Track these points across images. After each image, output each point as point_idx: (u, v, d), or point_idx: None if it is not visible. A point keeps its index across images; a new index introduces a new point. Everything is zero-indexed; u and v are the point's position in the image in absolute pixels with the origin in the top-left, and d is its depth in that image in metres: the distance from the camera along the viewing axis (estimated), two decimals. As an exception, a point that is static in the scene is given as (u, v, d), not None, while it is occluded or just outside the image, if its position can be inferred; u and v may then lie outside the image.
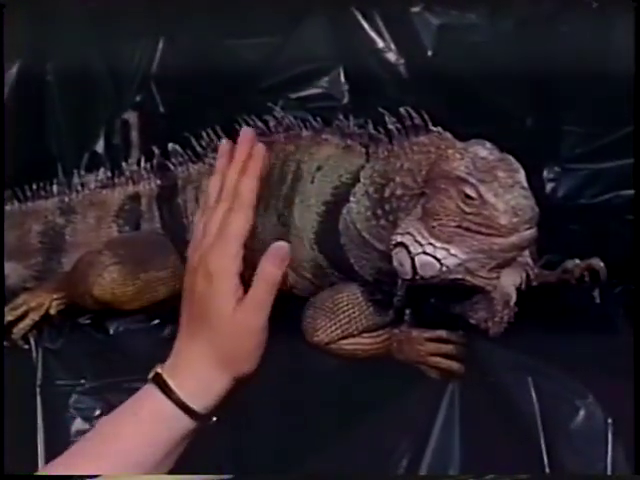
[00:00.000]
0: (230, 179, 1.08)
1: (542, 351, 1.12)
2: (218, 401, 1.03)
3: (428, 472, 1.11)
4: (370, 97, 1.41)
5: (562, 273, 1.20)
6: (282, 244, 1.05)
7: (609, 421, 1.08)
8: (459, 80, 1.38)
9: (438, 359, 1.15)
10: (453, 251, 1.07)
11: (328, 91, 1.44)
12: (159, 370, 1.03)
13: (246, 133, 1.11)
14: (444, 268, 1.07)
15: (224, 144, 1.12)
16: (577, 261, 1.20)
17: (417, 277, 1.08)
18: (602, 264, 1.19)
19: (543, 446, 1.09)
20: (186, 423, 1.01)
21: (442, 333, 1.15)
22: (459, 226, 1.06)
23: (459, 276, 1.08)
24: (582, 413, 1.09)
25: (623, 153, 1.32)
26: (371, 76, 1.43)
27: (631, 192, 1.32)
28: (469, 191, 1.05)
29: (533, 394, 1.10)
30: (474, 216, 1.05)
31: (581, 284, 1.19)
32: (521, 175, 1.07)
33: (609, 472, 1.07)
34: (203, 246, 1.05)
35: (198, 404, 1.01)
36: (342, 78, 1.44)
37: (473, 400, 1.13)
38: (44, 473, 1.02)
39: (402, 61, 1.42)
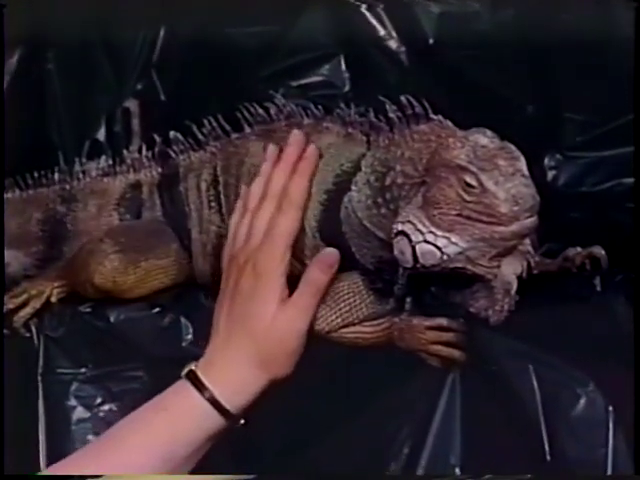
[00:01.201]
0: (277, 180, 1.09)
1: (543, 339, 1.12)
2: (250, 402, 1.03)
3: (429, 460, 1.11)
4: (371, 85, 1.39)
5: (563, 261, 1.19)
6: (332, 250, 1.07)
7: (610, 409, 1.08)
8: (460, 68, 1.36)
9: (439, 347, 1.14)
10: (454, 239, 1.07)
11: (329, 79, 1.42)
12: (193, 367, 1.04)
13: (296, 136, 1.13)
14: (445, 257, 1.07)
15: (272, 148, 1.15)
16: (578, 249, 1.20)
17: (418, 265, 1.08)
18: (603, 252, 1.18)
19: (544, 434, 1.08)
20: (217, 422, 1.02)
21: (443, 321, 1.14)
22: (460, 214, 1.06)
23: (460, 265, 1.08)
24: (583, 401, 1.09)
25: (624, 141, 1.31)
26: (372, 64, 1.41)
27: (632, 180, 1.30)
28: (469, 179, 1.05)
29: (534, 382, 1.10)
30: (475, 204, 1.05)
31: (582, 272, 1.18)
32: (522, 163, 1.07)
33: (609, 460, 1.07)
34: (250, 246, 1.05)
35: (231, 403, 1.02)
36: (343, 66, 1.42)
37: (474, 388, 1.12)
38: (74, 461, 1.02)
39: (403, 49, 1.40)
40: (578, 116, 1.34)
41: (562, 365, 1.10)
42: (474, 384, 1.12)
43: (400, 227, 1.09)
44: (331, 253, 1.07)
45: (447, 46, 1.37)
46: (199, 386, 1.02)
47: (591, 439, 1.08)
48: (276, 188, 1.08)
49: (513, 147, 1.08)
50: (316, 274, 1.05)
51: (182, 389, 1.03)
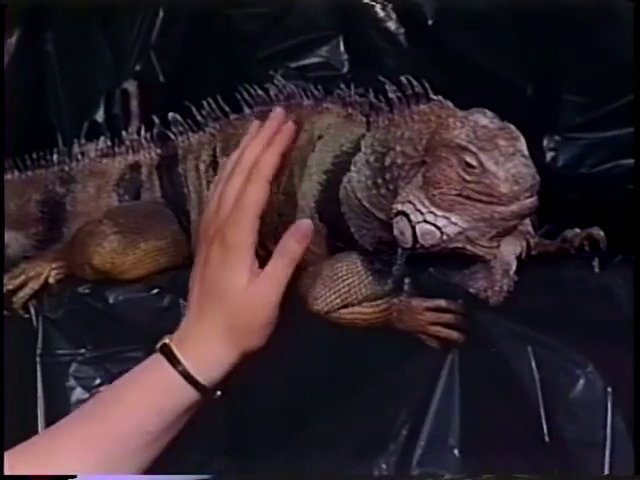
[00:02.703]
0: (250, 152, 1.07)
1: (542, 321, 1.10)
2: (224, 375, 1.02)
3: (428, 441, 1.10)
4: (370, 66, 1.39)
5: (562, 242, 1.18)
6: (306, 221, 1.05)
7: (609, 390, 1.07)
8: (459, 49, 1.36)
9: (438, 328, 1.12)
10: (454, 219, 1.06)
11: (328, 60, 1.42)
12: (167, 340, 1.03)
13: (277, 112, 1.12)
14: (445, 237, 1.06)
15: (256, 123, 1.13)
16: (577, 230, 1.18)
17: (417, 246, 1.08)
18: (602, 233, 1.16)
19: (543, 415, 1.07)
20: (191, 395, 1.01)
21: (442, 302, 1.12)
22: (460, 194, 1.05)
23: (459, 245, 1.07)
24: (582, 382, 1.07)
25: (623, 122, 1.30)
26: (371, 45, 1.41)
27: (631, 161, 1.30)
28: (470, 159, 1.04)
29: (533, 363, 1.08)
30: (475, 184, 1.04)
31: (581, 253, 1.16)
32: (522, 143, 1.06)
33: (608, 441, 1.06)
34: (219, 218, 1.03)
35: (204, 376, 1.00)
36: (342, 47, 1.42)
37: (473, 370, 1.11)
38: (49, 435, 1.02)
39: (402, 30, 1.40)
40: (577, 98, 1.33)
41: (561, 346, 1.09)
42: (473, 366, 1.11)
43: (400, 207, 1.08)
44: (306, 223, 1.06)
45: (446, 27, 1.37)
46: (172, 360, 1.01)
47: (590, 420, 1.07)
48: (247, 160, 1.07)
49: (513, 127, 1.07)
50: (291, 244, 1.04)
51: (156, 363, 1.02)
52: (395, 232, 1.09)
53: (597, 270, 1.12)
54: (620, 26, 1.32)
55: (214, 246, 1.04)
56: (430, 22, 1.37)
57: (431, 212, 1.06)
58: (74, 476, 0.99)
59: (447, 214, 1.06)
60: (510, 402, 1.09)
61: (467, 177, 1.04)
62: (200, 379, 1.01)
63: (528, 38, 1.34)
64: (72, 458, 0.99)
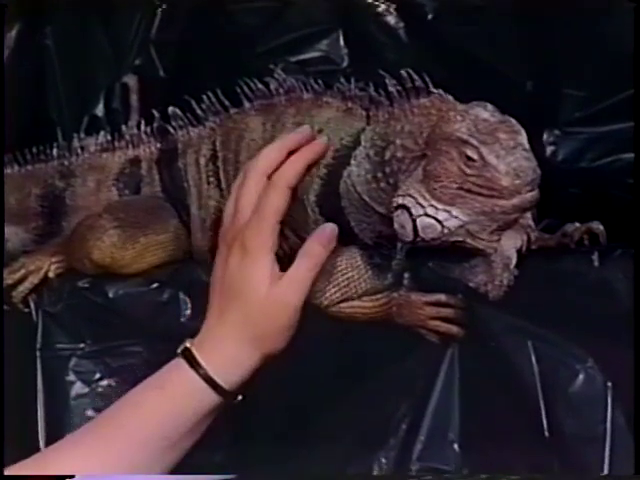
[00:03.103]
0: (270, 157, 1.07)
1: (542, 315, 1.10)
2: (245, 378, 1.02)
3: (427, 436, 1.10)
4: (369, 61, 1.38)
5: (561, 237, 1.18)
6: (331, 225, 1.05)
7: (608, 385, 1.07)
8: (459, 44, 1.36)
9: (437, 323, 1.12)
10: (455, 213, 1.05)
11: (327, 54, 1.42)
12: (188, 344, 1.02)
13: (304, 128, 1.12)
14: (445, 230, 1.06)
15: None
16: (577, 224, 1.17)
17: (418, 239, 1.07)
18: (602, 227, 1.16)
19: (543, 410, 1.07)
20: (212, 399, 1.00)
21: (441, 297, 1.12)
22: (460, 188, 1.05)
23: (460, 238, 1.06)
24: (581, 377, 1.07)
25: (623, 116, 1.29)
26: (371, 40, 1.40)
27: (631, 155, 1.29)
28: (470, 153, 1.03)
29: (533, 358, 1.08)
30: (476, 178, 1.04)
31: (580, 248, 1.16)
32: (523, 137, 1.05)
33: (608, 436, 1.05)
34: (238, 222, 1.03)
35: (225, 380, 1.00)
36: (341, 41, 1.41)
37: (473, 364, 1.11)
38: (72, 442, 1.01)
39: (402, 25, 1.39)
40: (577, 92, 1.33)
41: (561, 341, 1.09)
42: (473, 360, 1.11)
43: (400, 201, 1.08)
44: (331, 227, 1.06)
45: (446, 22, 1.36)
46: (194, 364, 1.01)
47: (590, 415, 1.07)
48: (266, 165, 1.06)
49: (514, 121, 1.06)
50: (315, 248, 1.03)
51: (177, 367, 1.02)
52: (395, 226, 1.08)
53: (597, 264, 1.12)
54: (620, 19, 1.31)
55: (234, 250, 1.03)
56: (430, 17, 1.37)
57: (432, 205, 1.06)
58: (73, 476, 0.99)
59: (448, 207, 1.05)
60: (510, 397, 1.09)
61: (468, 171, 1.04)
62: (221, 382, 1.00)
63: (528, 32, 1.34)
64: (94, 463, 0.98)
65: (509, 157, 1.03)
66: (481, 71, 1.33)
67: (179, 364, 1.01)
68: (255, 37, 1.43)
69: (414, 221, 1.07)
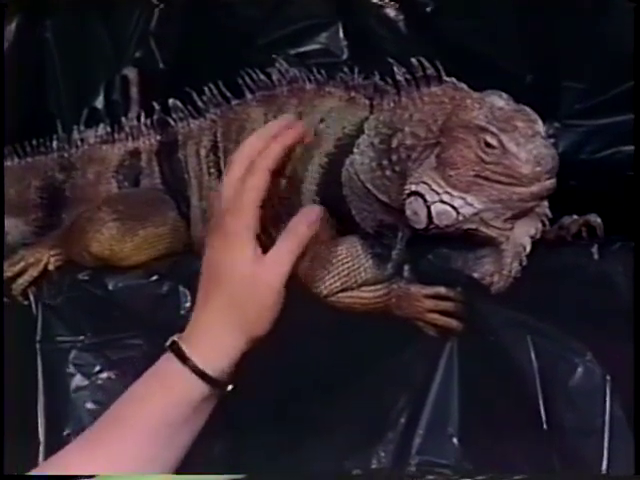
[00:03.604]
0: (252, 143, 1.05)
1: (541, 309, 1.09)
2: (233, 365, 1.01)
3: (426, 429, 1.09)
4: (369, 53, 1.38)
5: (558, 229, 1.17)
6: (315, 207, 1.04)
7: (607, 378, 1.06)
8: (458, 37, 1.35)
9: (436, 316, 1.11)
10: (470, 200, 1.05)
11: (327, 47, 1.41)
12: (176, 338, 1.02)
13: (287, 116, 1.12)
14: (460, 217, 1.06)
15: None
16: (574, 217, 1.17)
17: (432, 226, 1.07)
18: (599, 220, 1.16)
19: (541, 403, 1.07)
20: (203, 389, 1.00)
21: (441, 290, 1.11)
22: (478, 175, 1.05)
23: (473, 226, 1.06)
24: (580, 370, 1.06)
25: (623, 109, 1.29)
26: (370, 32, 1.40)
27: (631, 148, 1.28)
28: (490, 140, 1.03)
29: (532, 351, 1.08)
30: (494, 165, 1.04)
31: (580, 241, 1.16)
32: (540, 125, 1.05)
33: (606, 429, 1.05)
34: (219, 209, 1.02)
35: (214, 369, 0.99)
36: (341, 34, 1.41)
37: (472, 358, 1.10)
38: (78, 446, 1.01)
39: (401, 17, 1.39)
40: (577, 84, 1.32)
41: (560, 334, 1.08)
42: (472, 354, 1.10)
43: (414, 188, 1.08)
44: (315, 208, 1.04)
45: (445, 14, 1.36)
46: (181, 356, 1.00)
47: (588, 408, 1.06)
48: (248, 151, 1.05)
49: (529, 109, 1.06)
50: (298, 227, 1.02)
51: (168, 361, 1.01)
52: (408, 213, 1.08)
53: (596, 257, 1.11)
54: (619, 12, 1.30)
55: (216, 235, 1.02)
56: (429, 9, 1.36)
57: (447, 192, 1.06)
58: (77, 477, 0.99)
59: (463, 195, 1.05)
60: (509, 390, 1.08)
61: (486, 158, 1.04)
62: (210, 372, 1.00)
63: (527, 25, 1.33)
64: (105, 464, 0.98)
65: (529, 145, 1.03)
66: (481, 64, 1.32)
67: (169, 358, 1.01)
68: (255, 30, 1.42)
69: (428, 208, 1.06)
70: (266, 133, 1.07)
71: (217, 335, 1.00)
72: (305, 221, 1.03)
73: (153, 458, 1.00)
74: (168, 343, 1.02)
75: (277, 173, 1.06)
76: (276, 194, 1.10)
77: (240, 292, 1.00)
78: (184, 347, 1.00)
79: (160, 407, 0.99)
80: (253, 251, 1.00)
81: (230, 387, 1.02)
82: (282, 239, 1.02)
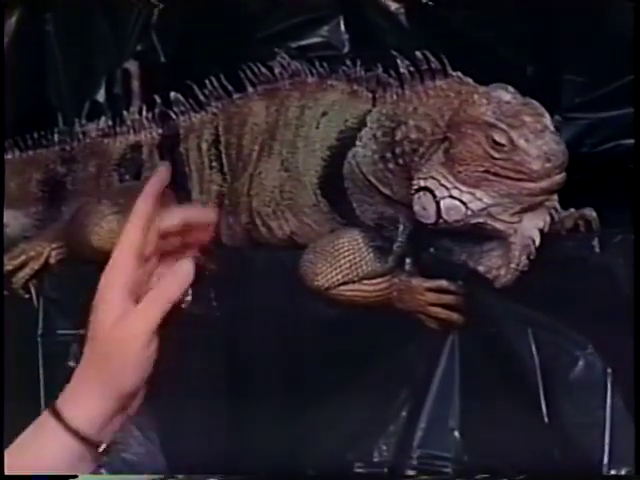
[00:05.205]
0: (142, 208, 1.00)
1: (542, 302, 1.08)
2: (105, 423, 0.95)
3: (428, 422, 1.09)
4: (370, 46, 1.38)
5: (551, 223, 1.15)
6: (187, 264, 0.95)
7: (608, 371, 1.05)
8: (459, 29, 1.35)
9: (438, 309, 1.10)
10: (479, 195, 1.04)
11: (328, 40, 1.41)
12: (58, 399, 0.96)
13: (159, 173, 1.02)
14: (469, 212, 1.04)
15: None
16: (571, 210, 1.16)
17: (441, 221, 1.06)
18: (594, 214, 1.15)
19: (542, 396, 1.06)
20: (75, 447, 0.94)
21: (443, 283, 1.10)
22: (487, 171, 1.03)
23: (481, 220, 1.05)
24: (581, 363, 1.06)
25: (623, 102, 1.28)
26: (371, 25, 1.40)
27: (632, 141, 1.28)
28: (499, 138, 1.02)
29: (533, 345, 1.07)
30: (503, 161, 1.02)
31: (580, 233, 1.14)
32: (547, 119, 1.04)
33: (607, 421, 1.04)
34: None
35: (84, 427, 0.94)
36: (342, 27, 1.41)
37: (473, 351, 1.09)
38: None
39: (402, 10, 1.39)
40: (578, 77, 1.33)
41: (561, 328, 1.07)
42: (473, 347, 1.09)
43: (422, 183, 1.06)
44: (187, 267, 0.94)
45: (446, 7, 1.36)
46: (56, 414, 0.95)
47: (589, 401, 1.06)
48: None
49: (537, 103, 1.05)
50: (168, 286, 0.94)
51: (45, 418, 0.97)
52: (416, 208, 1.07)
53: (597, 250, 1.10)
54: (620, 6, 1.30)
55: (97, 293, 0.98)
56: (430, 1, 1.37)
57: (456, 188, 1.05)
58: (75, 476, 0.97)
59: (472, 190, 1.04)
60: (510, 383, 1.08)
61: (495, 154, 1.02)
62: (81, 430, 0.94)
63: (528, 18, 1.33)
64: None
65: (539, 140, 1.01)
66: (482, 56, 1.32)
67: (46, 417, 0.96)
68: (256, 23, 1.42)
69: (437, 203, 1.05)
70: (149, 194, 1.03)
71: (87, 394, 0.95)
72: (175, 280, 0.96)
73: None
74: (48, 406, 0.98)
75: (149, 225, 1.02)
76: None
77: (107, 347, 0.94)
78: (60, 406, 0.96)
79: (34, 463, 0.95)
80: (122, 303, 0.94)
81: (103, 447, 0.96)
82: (150, 294, 0.95)
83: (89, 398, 0.94)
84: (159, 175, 0.99)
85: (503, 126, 1.02)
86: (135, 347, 0.93)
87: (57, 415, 0.94)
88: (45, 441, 0.95)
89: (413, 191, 1.07)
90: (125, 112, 1.38)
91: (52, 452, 0.94)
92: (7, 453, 0.95)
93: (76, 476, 0.96)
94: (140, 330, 0.93)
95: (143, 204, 0.98)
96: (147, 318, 0.93)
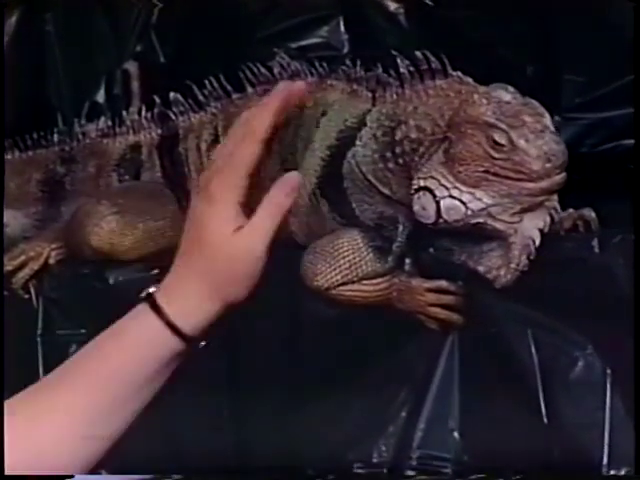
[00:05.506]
0: (249, 112, 1.01)
1: (541, 302, 1.08)
2: (207, 324, 0.98)
3: (427, 423, 1.08)
4: (370, 46, 1.38)
5: (551, 224, 1.15)
6: (294, 174, 0.99)
7: (608, 371, 1.05)
8: (459, 29, 1.35)
9: (437, 310, 1.10)
10: (479, 195, 1.04)
11: (328, 40, 1.41)
12: (152, 290, 0.99)
13: (285, 83, 1.04)
14: (469, 212, 1.04)
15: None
16: (570, 211, 1.15)
17: (441, 221, 1.05)
18: (593, 214, 1.14)
19: (542, 397, 1.06)
20: (174, 344, 0.96)
21: (442, 283, 1.10)
22: (487, 171, 1.03)
23: (481, 220, 1.05)
24: (581, 364, 1.06)
25: (624, 102, 1.28)
26: (371, 25, 1.40)
27: (632, 141, 1.28)
28: (498, 138, 1.02)
29: (532, 345, 1.07)
30: (503, 162, 1.02)
31: (572, 234, 1.14)
32: (547, 119, 1.04)
33: (607, 422, 1.04)
34: (209, 171, 1.00)
35: (187, 325, 0.96)
36: (342, 27, 1.41)
37: (473, 351, 1.09)
38: (33, 392, 0.97)
39: (402, 10, 1.39)
40: (578, 77, 1.32)
41: (560, 328, 1.07)
42: (473, 347, 1.09)
43: (422, 183, 1.06)
44: (293, 176, 1.00)
45: (446, 7, 1.36)
46: (155, 308, 0.98)
47: (589, 401, 1.06)
48: (243, 118, 1.04)
49: (536, 103, 1.05)
50: (277, 195, 1.00)
51: (141, 312, 0.99)
52: (416, 208, 1.06)
53: (597, 250, 1.10)
54: (620, 7, 1.30)
55: (200, 196, 1.00)
56: (430, 1, 1.36)
57: (456, 187, 1.04)
58: (72, 476, 0.97)
59: (472, 190, 1.04)
60: (509, 384, 1.08)
61: (495, 154, 1.02)
62: (183, 328, 0.97)
63: (528, 18, 1.33)
64: (60, 415, 0.95)
65: (539, 140, 1.01)
66: (482, 56, 1.32)
67: (142, 309, 0.98)
68: (256, 23, 1.42)
69: (437, 203, 1.05)
70: (260, 105, 1.05)
71: (194, 295, 0.98)
72: (283, 189, 0.99)
73: (108, 415, 0.96)
74: (143, 295, 0.99)
75: (268, 142, 1.05)
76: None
77: (220, 257, 0.97)
78: (159, 299, 0.99)
79: (125, 361, 0.97)
80: (235, 217, 0.98)
81: (202, 344, 1.00)
82: (262, 207, 0.98)
83: (195, 300, 0.97)
84: (295, 86, 1.00)
85: (503, 126, 1.01)
86: (250, 260, 0.96)
87: (158, 310, 0.96)
88: (142, 333, 0.96)
89: (413, 191, 1.07)
90: (124, 112, 1.38)
91: (149, 344, 0.96)
92: (100, 337, 0.98)
93: (72, 476, 0.97)
94: (256, 245, 0.96)
95: (261, 116, 0.99)
96: (261, 232, 0.96)
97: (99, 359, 0.97)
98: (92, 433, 0.96)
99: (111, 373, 0.96)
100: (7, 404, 0.97)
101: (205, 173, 1.02)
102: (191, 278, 0.98)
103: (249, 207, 0.98)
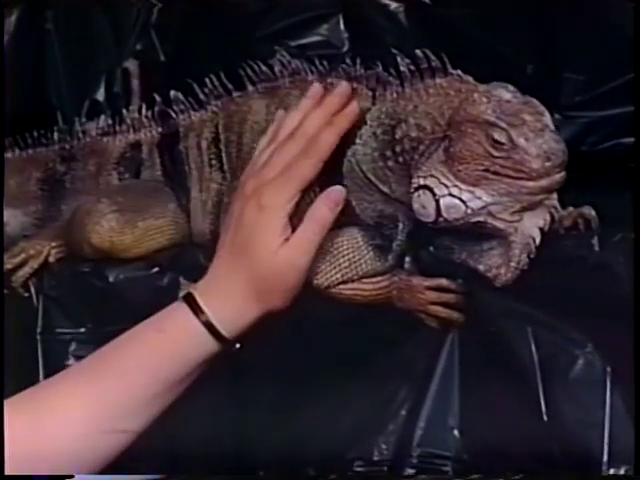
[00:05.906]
0: (312, 123, 1.05)
1: (541, 300, 1.08)
2: (245, 329, 1.01)
3: (427, 421, 1.08)
4: (370, 45, 1.37)
5: (550, 222, 1.15)
6: (339, 188, 1.04)
7: (608, 370, 1.05)
8: (459, 27, 1.35)
9: (438, 308, 1.10)
10: (478, 193, 1.03)
11: (328, 39, 1.40)
12: (191, 290, 1.01)
13: (343, 87, 1.10)
14: (469, 210, 1.04)
15: (317, 86, 1.12)
16: (570, 209, 1.15)
17: (441, 219, 1.05)
18: (593, 213, 1.14)
19: (542, 395, 1.05)
20: (211, 345, 0.99)
21: (443, 282, 1.10)
22: (487, 170, 1.03)
23: (481, 219, 1.04)
24: (581, 362, 1.05)
25: (623, 101, 1.28)
26: (371, 24, 1.39)
27: (632, 140, 1.28)
28: (498, 136, 1.01)
29: (532, 343, 1.06)
30: (503, 160, 1.02)
31: (572, 233, 1.13)
32: (547, 118, 1.03)
33: (607, 421, 1.04)
34: (262, 176, 1.02)
35: (225, 328, 0.99)
36: (342, 26, 1.40)
37: (473, 349, 1.09)
38: (69, 378, 1.01)
39: (401, 8, 1.38)
40: (577, 76, 1.32)
41: (560, 326, 1.07)
42: (473, 345, 1.09)
43: (422, 181, 1.06)
44: (338, 190, 1.05)
45: (446, 5, 1.35)
46: (196, 309, 1.00)
47: (589, 400, 1.05)
48: (308, 130, 1.06)
49: (537, 101, 1.04)
50: (322, 211, 1.03)
51: (179, 311, 1.01)
52: (415, 206, 1.06)
53: (597, 248, 1.09)
54: (620, 7, 1.30)
55: (251, 202, 1.02)
56: (429, 0, 1.36)
57: (456, 186, 1.04)
58: (72, 476, 0.97)
59: (472, 188, 1.04)
60: (509, 382, 1.08)
61: (495, 153, 1.02)
62: (222, 330, 0.99)
63: (528, 16, 1.33)
64: (86, 401, 0.98)
65: (539, 139, 1.01)
66: (481, 55, 1.31)
67: (180, 308, 1.01)
68: (256, 22, 1.41)
69: (437, 201, 1.05)
70: (324, 112, 1.07)
71: (235, 299, 1.01)
72: (327, 203, 1.03)
73: (134, 410, 0.99)
74: (182, 294, 1.02)
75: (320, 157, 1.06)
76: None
77: (266, 267, 1.01)
78: (200, 300, 1.00)
79: (161, 357, 0.99)
80: (283, 230, 1.01)
81: (237, 346, 1.02)
82: (306, 221, 1.03)
83: (235, 304, 1.00)
84: (342, 95, 1.08)
85: (503, 125, 1.01)
86: (294, 274, 1.01)
87: (197, 311, 0.99)
88: (180, 332, 0.99)
89: (413, 189, 1.06)
90: (125, 111, 1.37)
91: (187, 343, 0.99)
92: (133, 334, 1.00)
93: (72, 476, 0.97)
94: (301, 259, 1.01)
95: (329, 137, 1.04)
96: (306, 247, 1.01)
97: (135, 354, 0.99)
98: (118, 427, 0.97)
99: (147, 369, 0.98)
100: (37, 391, 1.00)
101: (250, 173, 1.05)
102: (233, 282, 1.01)
103: (294, 218, 1.02)
